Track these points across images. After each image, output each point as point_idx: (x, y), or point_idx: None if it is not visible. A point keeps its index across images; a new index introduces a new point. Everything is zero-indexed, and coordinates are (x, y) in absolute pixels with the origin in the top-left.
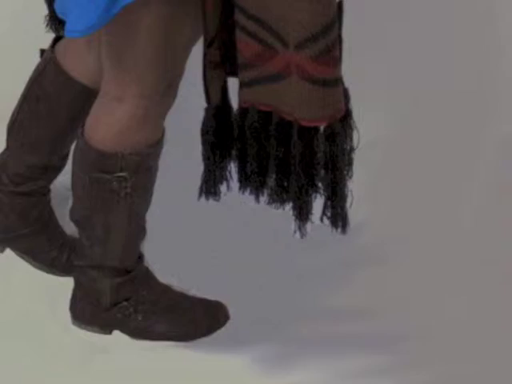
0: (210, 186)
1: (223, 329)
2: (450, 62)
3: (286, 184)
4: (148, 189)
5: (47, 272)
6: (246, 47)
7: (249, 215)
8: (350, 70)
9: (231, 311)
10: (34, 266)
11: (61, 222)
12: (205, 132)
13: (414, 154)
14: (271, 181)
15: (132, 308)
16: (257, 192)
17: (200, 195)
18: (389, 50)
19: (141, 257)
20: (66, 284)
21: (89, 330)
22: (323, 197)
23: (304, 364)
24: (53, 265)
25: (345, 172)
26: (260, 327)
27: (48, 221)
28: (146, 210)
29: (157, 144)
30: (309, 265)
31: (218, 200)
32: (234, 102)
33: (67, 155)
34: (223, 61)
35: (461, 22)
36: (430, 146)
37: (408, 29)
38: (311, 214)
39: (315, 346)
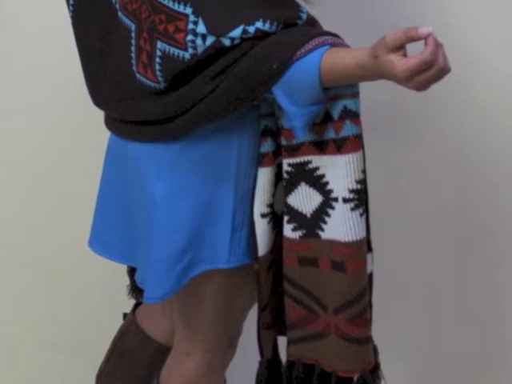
0: None
1: None
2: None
3: None
4: None
5: None
6: (292, 311)
7: None
8: (379, 332)
9: None
10: None
11: None
12: (259, 381)
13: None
14: None
15: None
16: None
17: None
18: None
19: None
20: None
21: None
22: None
23: None
24: None
25: None
26: None
27: None
28: None
29: None
30: None
31: None
32: (283, 355)
33: None
34: (274, 323)
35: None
36: None
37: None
38: None
39: None
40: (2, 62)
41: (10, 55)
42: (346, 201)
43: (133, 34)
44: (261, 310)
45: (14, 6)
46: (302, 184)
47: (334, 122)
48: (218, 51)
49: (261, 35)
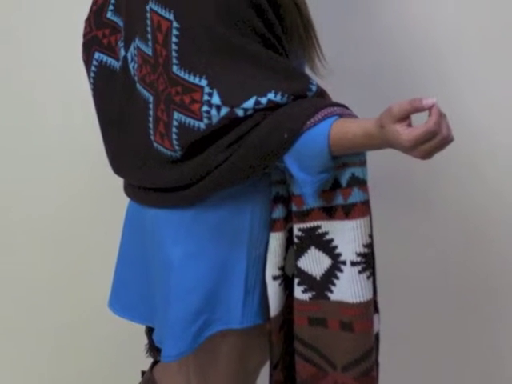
0: None
1: None
2: None
3: None
4: None
5: None
6: (303, 369)
7: None
8: None
9: None
10: None
11: None
12: None
13: None
14: None
15: None
16: None
17: None
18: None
19: None
20: None
21: None
22: None
23: None
24: None
25: None
26: None
27: None
28: None
29: None
30: None
31: None
32: None
33: None
34: (285, 380)
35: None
36: None
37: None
38: None
39: None
40: (24, 130)
41: (32, 126)
42: (353, 264)
43: (151, 105)
44: (273, 368)
45: (37, 78)
46: (312, 248)
47: (343, 188)
48: (231, 121)
49: (273, 106)
